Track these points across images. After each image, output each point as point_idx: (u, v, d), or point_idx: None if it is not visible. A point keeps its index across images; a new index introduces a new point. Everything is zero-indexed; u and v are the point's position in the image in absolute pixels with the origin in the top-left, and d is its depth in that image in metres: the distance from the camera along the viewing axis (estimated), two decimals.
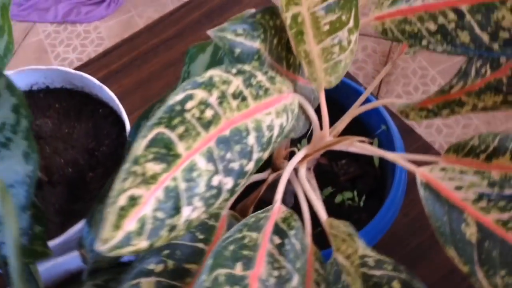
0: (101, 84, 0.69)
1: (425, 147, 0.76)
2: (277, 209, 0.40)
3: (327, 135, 0.50)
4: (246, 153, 0.32)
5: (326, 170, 0.63)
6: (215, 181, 0.30)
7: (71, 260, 0.47)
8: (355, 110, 0.54)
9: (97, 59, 0.95)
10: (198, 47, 0.39)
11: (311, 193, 0.44)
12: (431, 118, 0.48)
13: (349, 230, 0.39)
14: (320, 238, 0.60)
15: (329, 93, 0.68)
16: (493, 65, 0.45)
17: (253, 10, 0.38)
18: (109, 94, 0.68)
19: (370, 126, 0.66)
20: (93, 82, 0.70)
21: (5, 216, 0.32)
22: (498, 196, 0.39)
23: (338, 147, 0.51)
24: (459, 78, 0.46)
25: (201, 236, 0.41)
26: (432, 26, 0.42)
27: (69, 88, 0.74)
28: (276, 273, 0.37)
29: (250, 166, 0.32)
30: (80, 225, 0.56)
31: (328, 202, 0.61)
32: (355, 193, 0.60)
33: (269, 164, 0.60)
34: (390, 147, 0.61)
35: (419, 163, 0.50)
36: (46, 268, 0.47)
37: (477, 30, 0.41)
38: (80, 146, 0.68)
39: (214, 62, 0.38)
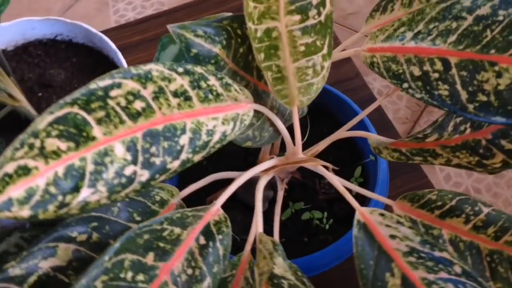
0: (117, 50, 0.71)
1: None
2: (214, 211, 0.41)
3: (299, 152, 0.50)
4: (174, 151, 0.33)
5: (307, 185, 0.63)
6: (128, 171, 0.31)
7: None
8: (339, 133, 0.54)
9: (135, 24, 0.97)
10: (170, 37, 0.39)
11: (259, 203, 0.45)
12: (402, 161, 0.48)
13: (273, 249, 0.39)
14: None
15: (327, 107, 0.68)
16: (473, 125, 0.44)
17: (223, 15, 0.39)
18: (122, 61, 0.70)
19: (363, 152, 0.65)
20: (110, 46, 0.71)
21: None
22: (428, 255, 0.38)
23: (310, 167, 0.51)
24: (433, 129, 0.45)
25: (138, 218, 0.42)
26: (416, 72, 0.41)
27: (89, 45, 0.76)
28: (190, 271, 0.37)
29: (174, 164, 0.33)
30: None
31: (296, 217, 0.61)
32: (325, 214, 0.60)
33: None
34: (373, 179, 0.61)
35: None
36: None
37: (458, 86, 0.40)
38: None
39: (182, 55, 0.39)
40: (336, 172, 0.64)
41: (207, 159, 0.67)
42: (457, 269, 0.38)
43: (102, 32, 0.94)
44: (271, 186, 0.61)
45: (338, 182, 0.44)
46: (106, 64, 0.74)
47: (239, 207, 0.63)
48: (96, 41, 0.75)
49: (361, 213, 0.40)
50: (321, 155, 0.63)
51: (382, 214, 0.40)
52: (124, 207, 0.41)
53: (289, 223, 0.62)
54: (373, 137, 0.49)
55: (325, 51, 0.39)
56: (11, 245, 0.38)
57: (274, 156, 0.58)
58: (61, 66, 0.75)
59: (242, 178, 0.45)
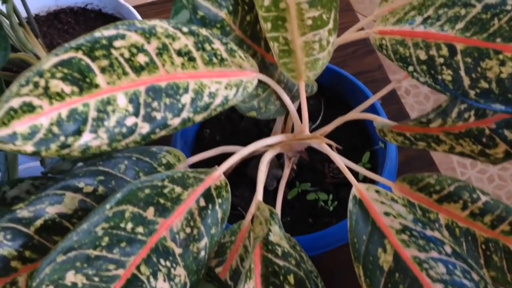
0: None
1: None
2: (216, 176, 0.42)
3: (306, 130, 0.51)
4: (175, 108, 0.34)
5: (316, 168, 0.64)
6: (129, 121, 0.32)
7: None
8: (348, 115, 0.55)
9: (164, 1, 0.99)
10: (183, 1, 0.41)
11: (261, 175, 0.46)
12: (406, 146, 0.48)
13: (269, 216, 0.41)
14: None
15: (342, 93, 0.69)
16: (478, 113, 0.45)
17: None
18: None
19: (374, 138, 0.66)
20: (137, 18, 0.73)
21: None
22: (420, 233, 0.39)
23: (315, 146, 0.52)
24: (437, 114, 0.46)
25: (143, 178, 0.44)
26: (422, 56, 0.42)
27: (118, 17, 0.78)
28: (188, 230, 0.39)
29: (175, 121, 0.34)
30: None
31: (302, 197, 0.62)
32: (331, 196, 0.61)
33: None
34: (380, 166, 0.62)
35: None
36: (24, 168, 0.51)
37: (462, 72, 0.40)
38: None
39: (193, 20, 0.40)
40: (345, 157, 0.65)
41: (220, 135, 0.69)
42: (448, 249, 0.38)
43: (134, 7, 0.96)
44: (280, 165, 0.63)
45: (339, 160, 0.45)
46: None
47: (248, 184, 0.64)
48: (124, 13, 0.77)
49: (358, 189, 0.41)
50: (331, 140, 0.64)
51: (377, 191, 0.41)
52: (131, 165, 0.43)
53: (296, 203, 0.63)
54: (378, 119, 0.50)
55: (331, 25, 0.40)
56: (23, 191, 0.40)
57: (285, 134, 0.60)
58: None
59: (247, 148, 0.46)
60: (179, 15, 0.43)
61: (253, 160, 0.63)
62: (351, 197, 0.41)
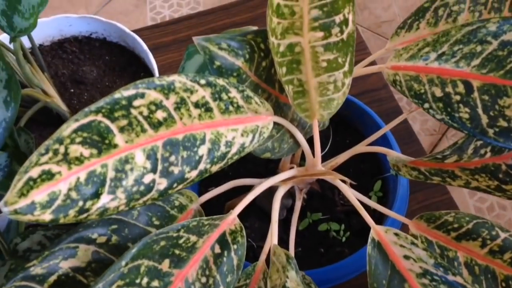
0: (148, 51, 0.72)
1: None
2: (230, 220, 0.42)
3: (318, 164, 0.50)
4: (193, 161, 0.34)
5: (326, 196, 0.64)
6: (147, 179, 0.32)
7: None
8: (359, 147, 0.54)
9: (166, 24, 0.98)
10: (196, 46, 0.40)
11: (275, 214, 0.45)
12: (421, 180, 0.48)
13: (286, 262, 0.40)
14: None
15: (350, 118, 0.68)
16: (494, 149, 0.44)
17: (254, 28, 0.39)
18: (152, 62, 0.71)
19: (384, 165, 0.65)
20: (142, 46, 0.73)
21: None
22: (441, 278, 0.38)
23: (329, 179, 0.52)
24: (453, 151, 0.45)
25: (156, 222, 0.43)
26: (438, 93, 0.41)
27: (122, 45, 0.77)
28: (204, 279, 0.38)
29: (192, 174, 0.34)
30: None
31: (313, 227, 0.62)
32: (342, 226, 0.60)
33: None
34: (392, 193, 0.61)
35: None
36: None
37: (480, 110, 0.40)
38: None
39: (207, 65, 0.40)
40: (356, 185, 0.64)
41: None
42: None
43: (136, 31, 0.96)
44: (290, 194, 0.62)
45: (354, 197, 0.44)
46: (137, 64, 0.76)
47: (258, 214, 0.64)
48: (129, 41, 0.76)
49: (376, 231, 0.41)
50: (341, 167, 0.63)
51: (396, 234, 0.40)
52: (143, 211, 0.42)
53: (307, 233, 0.62)
54: (392, 154, 0.49)
55: (346, 68, 0.40)
56: (35, 243, 0.40)
57: (294, 165, 0.59)
58: (94, 63, 0.77)
59: (260, 187, 0.46)
60: (192, 60, 0.43)
61: None
62: (369, 240, 0.41)
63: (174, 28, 0.98)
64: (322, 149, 0.68)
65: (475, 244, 0.43)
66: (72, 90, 0.74)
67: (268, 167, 0.67)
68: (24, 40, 0.70)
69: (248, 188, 0.61)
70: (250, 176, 0.63)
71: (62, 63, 0.76)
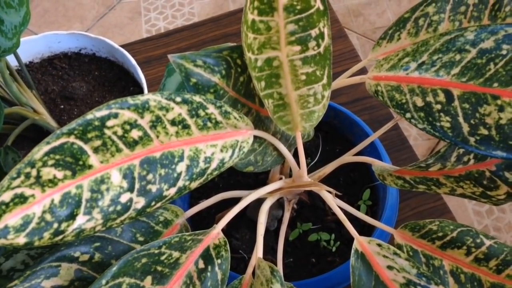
0: (137, 66, 0.72)
1: None
2: (214, 235, 0.41)
3: (304, 175, 0.50)
4: (171, 178, 0.34)
5: (316, 206, 0.64)
6: (124, 198, 0.32)
7: None
8: (345, 157, 0.54)
9: (158, 37, 0.99)
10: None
11: (261, 227, 0.45)
12: (406, 189, 0.48)
13: (270, 275, 0.40)
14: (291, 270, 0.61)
15: (339, 127, 0.69)
16: (477, 156, 0.44)
17: (224, 45, 0.39)
18: (141, 77, 0.71)
19: (374, 173, 0.65)
20: (130, 61, 0.73)
21: None
22: None
23: (315, 191, 0.51)
24: (436, 159, 0.45)
25: (140, 238, 0.43)
26: (419, 102, 0.42)
27: (112, 60, 0.78)
28: None
29: (171, 192, 0.34)
30: None
31: (304, 237, 0.62)
32: (333, 236, 0.60)
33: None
34: (382, 202, 0.61)
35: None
36: None
37: (460, 118, 0.40)
38: None
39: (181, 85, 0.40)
40: (345, 194, 0.64)
41: (218, 175, 0.68)
42: None
43: (127, 45, 0.96)
44: (280, 205, 0.62)
45: (338, 209, 0.44)
46: (126, 79, 0.76)
47: (249, 225, 0.64)
48: (118, 56, 0.77)
49: (359, 242, 0.41)
50: (331, 176, 0.63)
51: (379, 245, 0.40)
52: (127, 227, 0.42)
53: (298, 243, 0.62)
54: (377, 163, 0.49)
55: (325, 81, 0.40)
56: (18, 262, 0.40)
57: (283, 176, 0.59)
58: (83, 79, 0.77)
59: (246, 200, 0.46)
60: (172, 77, 0.43)
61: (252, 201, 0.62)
62: (353, 251, 0.41)
63: (166, 41, 0.99)
64: (312, 158, 0.68)
65: (460, 252, 0.43)
66: (62, 106, 0.74)
67: (259, 179, 0.67)
68: (12, 59, 0.71)
69: (237, 200, 0.61)
70: (240, 187, 0.63)
71: (52, 80, 0.76)
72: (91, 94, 0.75)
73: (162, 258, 0.37)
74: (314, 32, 0.39)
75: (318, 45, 0.40)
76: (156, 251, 0.37)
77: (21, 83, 0.61)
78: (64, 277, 0.37)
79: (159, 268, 0.37)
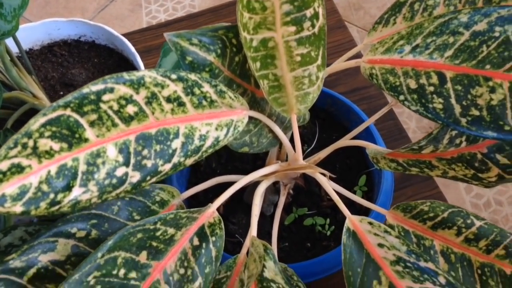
0: (136, 53, 0.73)
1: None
2: (209, 213, 0.42)
3: (299, 158, 0.51)
4: (166, 154, 0.34)
5: (312, 191, 0.64)
6: (120, 172, 0.32)
7: None
8: (341, 141, 0.55)
9: (157, 27, 0.99)
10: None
11: (255, 208, 0.46)
12: (400, 172, 0.48)
13: (263, 252, 0.40)
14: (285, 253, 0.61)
15: (336, 114, 0.69)
16: (469, 138, 0.45)
17: (218, 25, 0.40)
18: (140, 64, 0.72)
19: (370, 160, 0.66)
20: (130, 49, 0.74)
21: None
22: (414, 265, 0.39)
23: (310, 174, 0.52)
24: (428, 141, 0.46)
25: (137, 217, 0.44)
26: (413, 84, 0.42)
27: (111, 47, 0.78)
28: (182, 271, 0.39)
29: (165, 167, 0.34)
30: None
31: (300, 221, 0.62)
32: (328, 221, 0.61)
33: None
34: (377, 187, 0.61)
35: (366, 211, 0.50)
36: None
37: (453, 100, 0.40)
38: None
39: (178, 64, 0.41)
40: (341, 180, 0.65)
41: (216, 161, 0.69)
42: (442, 279, 0.38)
43: (127, 34, 0.96)
44: (277, 191, 0.63)
45: (332, 190, 0.45)
46: (125, 66, 0.77)
47: (245, 210, 0.64)
48: (117, 44, 0.77)
49: (351, 221, 0.41)
50: (327, 162, 0.64)
51: (370, 223, 0.41)
52: (124, 206, 0.42)
53: (293, 227, 0.63)
54: (371, 146, 0.50)
55: (319, 62, 0.41)
56: (16, 238, 0.40)
57: (279, 161, 0.60)
58: (83, 66, 0.77)
59: (240, 182, 0.46)
60: (168, 57, 0.43)
61: (249, 186, 0.63)
62: (344, 229, 0.41)
63: (165, 30, 0.99)
64: (309, 145, 0.69)
65: (450, 233, 0.44)
66: (61, 93, 0.75)
67: (256, 164, 0.68)
68: (12, 45, 0.71)
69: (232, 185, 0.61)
70: (237, 173, 0.64)
71: (51, 67, 0.77)
72: (90, 81, 0.76)
73: (157, 234, 0.38)
74: (309, 12, 0.40)
75: (313, 26, 0.40)
76: (152, 227, 0.38)
77: (21, 69, 0.62)
78: (61, 252, 0.38)
79: (154, 244, 0.38)
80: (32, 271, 0.36)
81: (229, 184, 0.59)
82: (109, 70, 0.77)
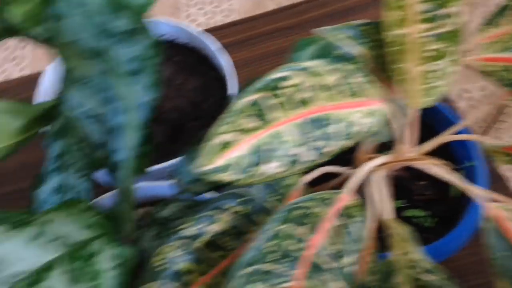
0: (217, 51, 0.76)
1: None
2: (346, 197, 0.45)
3: (410, 151, 0.53)
4: (327, 137, 0.38)
5: (403, 184, 0.66)
6: (297, 151, 0.36)
7: (160, 188, 0.54)
8: (446, 136, 0.57)
9: (214, 29, 1.01)
10: (307, 41, 0.45)
11: (376, 193, 0.48)
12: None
13: (406, 234, 0.43)
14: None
15: (423, 115, 0.71)
16: None
17: (359, 21, 0.44)
18: (220, 62, 0.75)
19: (458, 159, 0.68)
20: (210, 47, 0.77)
21: (127, 128, 0.39)
22: None
23: (420, 165, 0.54)
24: None
25: (269, 199, 0.47)
26: None
27: (191, 46, 0.81)
28: (331, 247, 0.41)
29: (328, 149, 0.38)
30: (174, 161, 0.64)
31: (396, 214, 0.64)
32: (426, 213, 0.63)
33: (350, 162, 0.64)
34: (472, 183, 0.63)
35: None
36: (137, 187, 0.54)
37: None
38: (187, 97, 0.76)
39: (317, 56, 0.45)
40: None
41: None
42: None
43: (207, 30, 0.98)
44: None
45: (454, 178, 0.47)
46: (207, 64, 0.80)
47: None
48: (197, 43, 0.80)
49: (489, 208, 0.43)
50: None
51: (509, 209, 0.43)
52: (263, 188, 0.46)
53: None
54: (485, 139, 0.53)
55: (452, 57, 0.44)
56: (171, 212, 0.44)
57: (371, 155, 0.62)
58: (164, 64, 0.81)
59: (360, 172, 0.49)
60: (301, 52, 0.48)
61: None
62: (484, 216, 0.43)
63: (222, 33, 1.00)
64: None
65: None
66: None
67: (343, 158, 0.70)
68: None
69: (333, 175, 0.63)
70: (326, 165, 0.66)
71: None
72: (174, 77, 0.79)
73: (308, 212, 0.41)
74: (445, 11, 0.44)
75: (449, 23, 0.44)
76: (305, 205, 0.41)
77: None
78: (221, 225, 0.41)
79: (305, 221, 0.41)
80: (203, 238, 0.41)
81: (321, 176, 0.62)
82: (190, 67, 0.80)
